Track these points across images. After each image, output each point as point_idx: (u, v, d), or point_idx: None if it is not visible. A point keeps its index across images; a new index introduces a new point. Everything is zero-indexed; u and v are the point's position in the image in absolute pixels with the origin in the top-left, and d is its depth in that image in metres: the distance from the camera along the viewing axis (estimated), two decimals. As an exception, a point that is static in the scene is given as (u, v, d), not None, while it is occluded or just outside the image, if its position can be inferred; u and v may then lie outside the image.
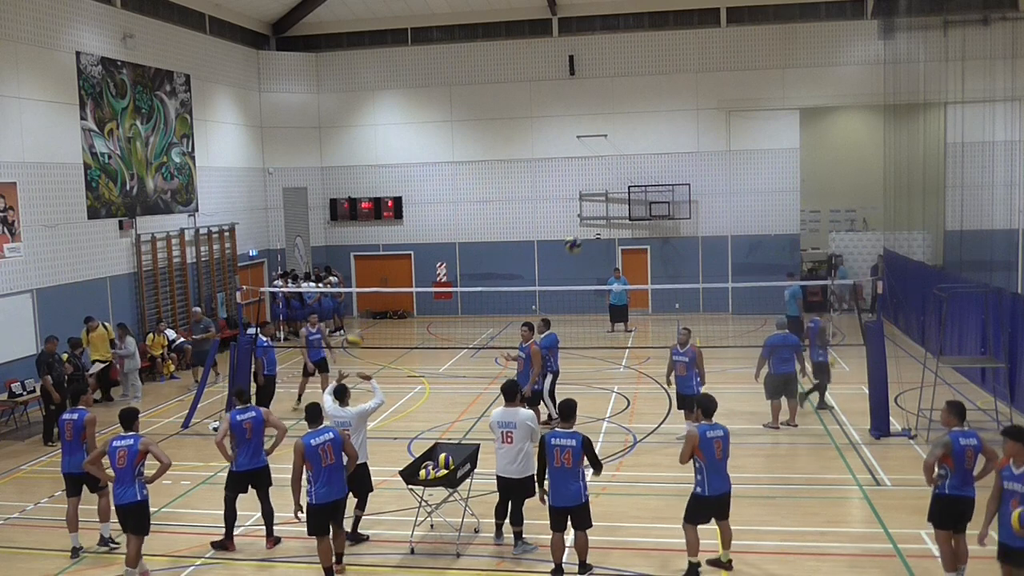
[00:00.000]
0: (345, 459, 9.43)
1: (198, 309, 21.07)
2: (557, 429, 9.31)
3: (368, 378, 11.30)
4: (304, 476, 9.29)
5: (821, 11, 26.43)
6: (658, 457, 13.32)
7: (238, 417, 10.25)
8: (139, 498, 9.29)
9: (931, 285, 18.41)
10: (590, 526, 9.25)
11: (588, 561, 9.30)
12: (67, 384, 15.43)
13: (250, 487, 10.31)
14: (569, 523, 9.20)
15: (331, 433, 9.37)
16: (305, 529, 9.39)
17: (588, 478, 9.29)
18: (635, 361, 20.47)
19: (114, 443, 9.39)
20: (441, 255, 28.68)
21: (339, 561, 9.58)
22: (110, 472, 9.52)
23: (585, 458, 9.10)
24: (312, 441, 9.17)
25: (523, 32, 27.78)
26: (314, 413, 9.49)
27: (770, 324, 22.78)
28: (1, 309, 17.17)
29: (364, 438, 10.38)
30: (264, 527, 10.44)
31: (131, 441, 9.36)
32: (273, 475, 10.57)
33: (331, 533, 9.35)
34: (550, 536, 9.32)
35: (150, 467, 9.51)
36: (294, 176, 28.77)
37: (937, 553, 8.99)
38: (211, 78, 25.16)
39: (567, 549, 9.41)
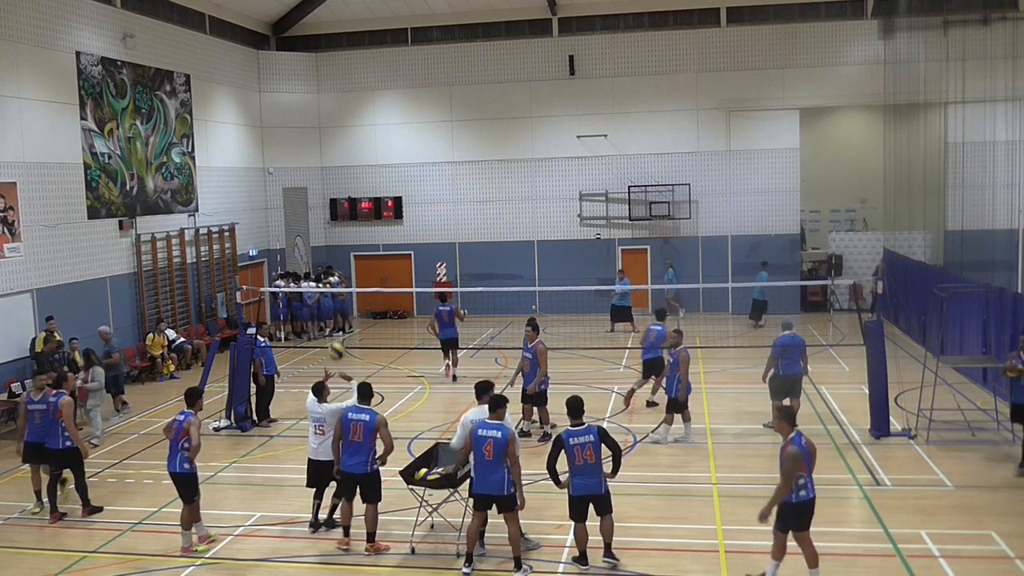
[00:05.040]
0: (381, 445, 10.06)
1: (106, 328, 18.29)
2: (570, 428, 9.37)
3: (349, 379, 11.80)
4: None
5: (821, 11, 26.42)
6: (658, 457, 13.32)
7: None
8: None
9: (931, 285, 18.39)
10: (611, 511, 9.44)
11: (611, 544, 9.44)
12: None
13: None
14: (592, 510, 9.37)
15: (367, 415, 10.08)
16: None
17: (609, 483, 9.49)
18: (635, 361, 20.41)
19: (330, 414, 10.66)
20: (441, 255, 28.68)
21: (370, 540, 10.11)
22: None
23: (605, 448, 9.30)
24: (350, 414, 10.16)
25: (523, 32, 27.78)
26: (364, 392, 10.38)
27: (771, 323, 22.91)
28: (1, 309, 17.18)
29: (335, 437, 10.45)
30: None
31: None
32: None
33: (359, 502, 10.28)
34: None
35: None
36: (294, 176, 28.78)
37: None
38: (211, 78, 25.16)
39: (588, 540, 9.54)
